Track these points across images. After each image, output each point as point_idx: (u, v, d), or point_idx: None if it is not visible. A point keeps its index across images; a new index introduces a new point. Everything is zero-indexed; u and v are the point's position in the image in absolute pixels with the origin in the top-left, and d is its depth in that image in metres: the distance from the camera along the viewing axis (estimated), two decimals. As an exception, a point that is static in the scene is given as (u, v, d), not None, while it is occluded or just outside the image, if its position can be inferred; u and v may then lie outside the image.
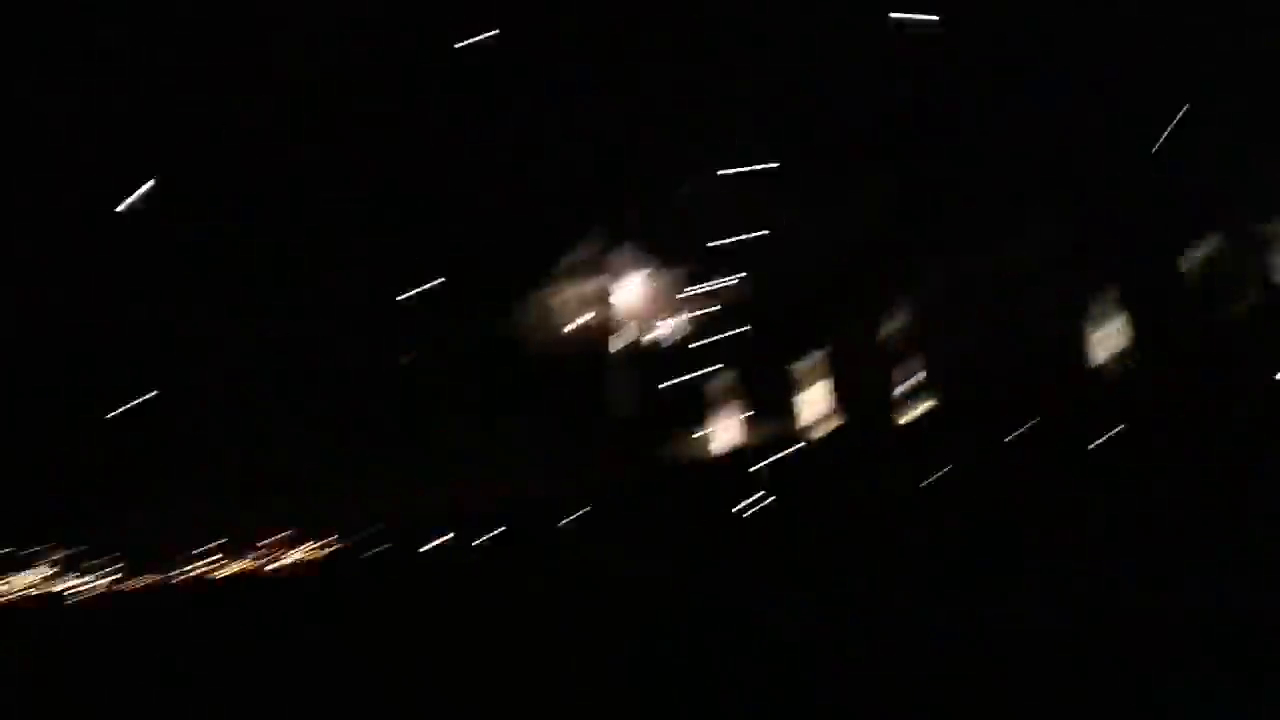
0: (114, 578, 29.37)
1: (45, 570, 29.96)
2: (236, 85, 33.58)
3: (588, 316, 52.54)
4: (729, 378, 31.75)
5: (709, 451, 31.26)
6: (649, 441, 31.64)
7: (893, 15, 32.20)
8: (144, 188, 30.89)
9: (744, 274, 50.20)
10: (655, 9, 34.75)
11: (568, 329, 53.73)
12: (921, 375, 30.79)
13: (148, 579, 28.84)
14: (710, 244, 50.05)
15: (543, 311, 51.76)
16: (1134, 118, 36.06)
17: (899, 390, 29.60)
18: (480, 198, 39.64)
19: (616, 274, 44.11)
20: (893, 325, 31.73)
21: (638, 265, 56.64)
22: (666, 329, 55.51)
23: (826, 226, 43.13)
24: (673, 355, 48.30)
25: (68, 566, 31.22)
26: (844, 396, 29.70)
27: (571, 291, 53.85)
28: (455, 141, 37.78)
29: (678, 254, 55.57)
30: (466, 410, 33.26)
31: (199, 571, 28.45)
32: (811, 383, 31.41)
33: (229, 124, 33.44)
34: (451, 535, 29.60)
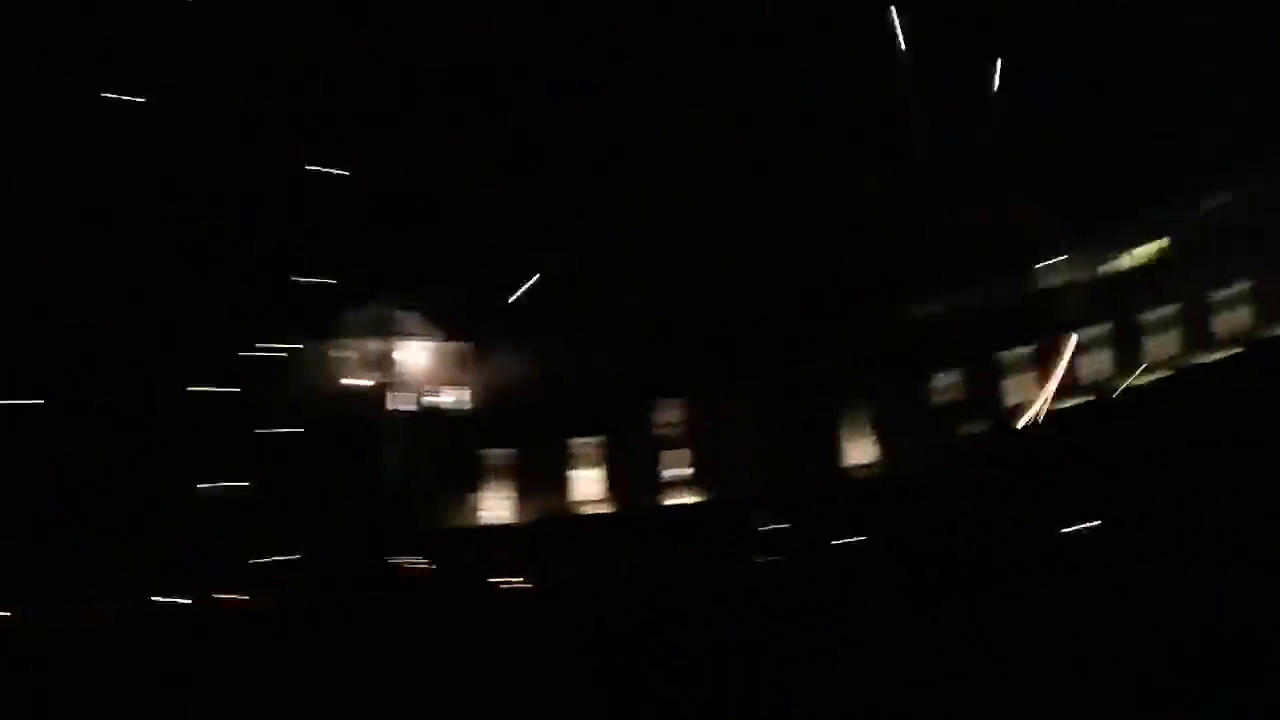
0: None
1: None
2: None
3: (368, 377, 47.13)
4: (506, 453, 31.24)
5: (474, 519, 30.47)
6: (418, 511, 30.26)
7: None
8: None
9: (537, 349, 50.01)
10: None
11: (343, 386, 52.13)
12: (689, 470, 30.95)
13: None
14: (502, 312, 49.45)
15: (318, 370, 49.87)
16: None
17: (668, 478, 29.22)
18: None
19: (402, 335, 42.21)
20: (668, 416, 31.67)
21: (425, 328, 55.35)
22: (450, 396, 54.34)
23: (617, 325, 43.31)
24: (454, 423, 44.16)
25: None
26: (617, 481, 29.00)
27: (354, 350, 51.93)
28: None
29: (467, 321, 53.95)
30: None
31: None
32: (588, 464, 31.26)
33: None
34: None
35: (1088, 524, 13.19)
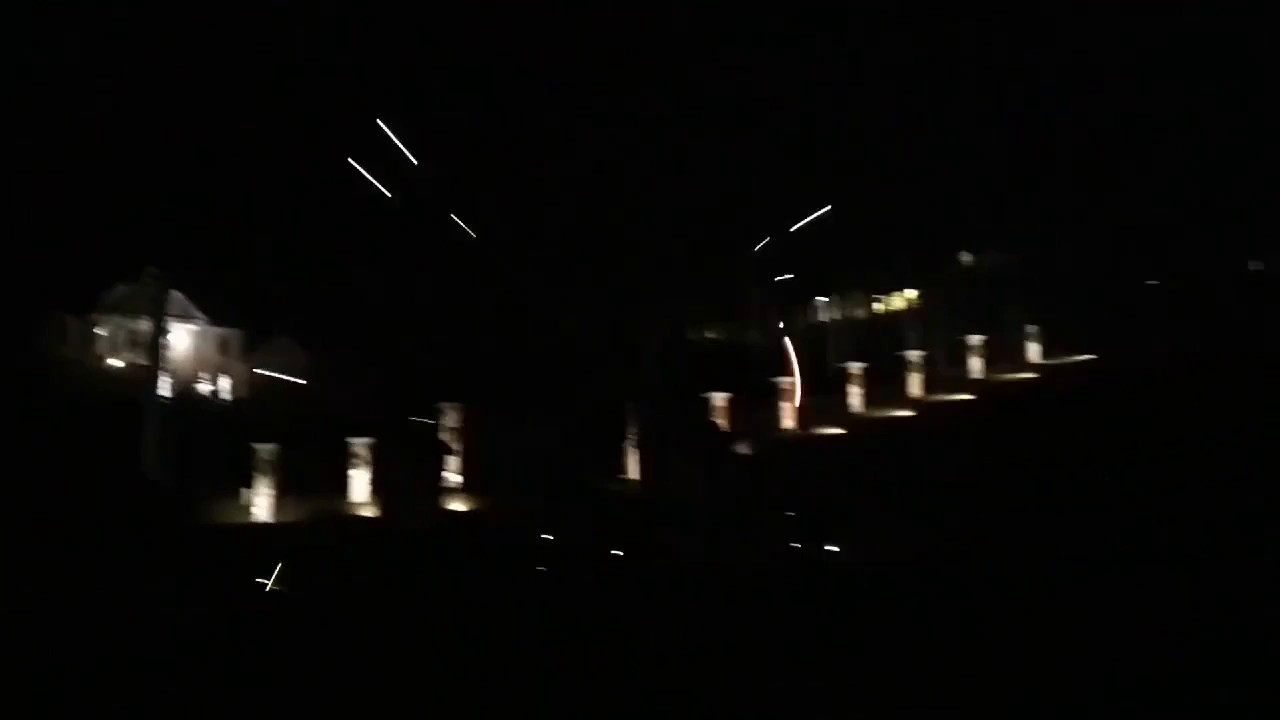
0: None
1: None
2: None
3: (134, 358, 46.76)
4: (274, 449, 30.25)
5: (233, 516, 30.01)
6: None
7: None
8: None
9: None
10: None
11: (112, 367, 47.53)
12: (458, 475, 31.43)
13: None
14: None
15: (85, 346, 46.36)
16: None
17: (442, 483, 29.95)
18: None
19: (168, 316, 40.47)
20: (449, 424, 32.08)
21: (191, 311, 53.90)
22: (216, 384, 52.67)
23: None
24: (222, 414, 44.74)
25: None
26: (384, 484, 29.21)
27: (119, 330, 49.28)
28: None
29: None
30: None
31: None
32: (361, 465, 30.69)
33: None
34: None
35: (832, 547, 14.36)
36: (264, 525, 29.99)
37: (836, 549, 13.48)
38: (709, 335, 58.62)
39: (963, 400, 32.53)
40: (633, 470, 30.04)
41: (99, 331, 47.44)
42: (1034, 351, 37.73)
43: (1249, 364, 25.04)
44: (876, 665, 7.04)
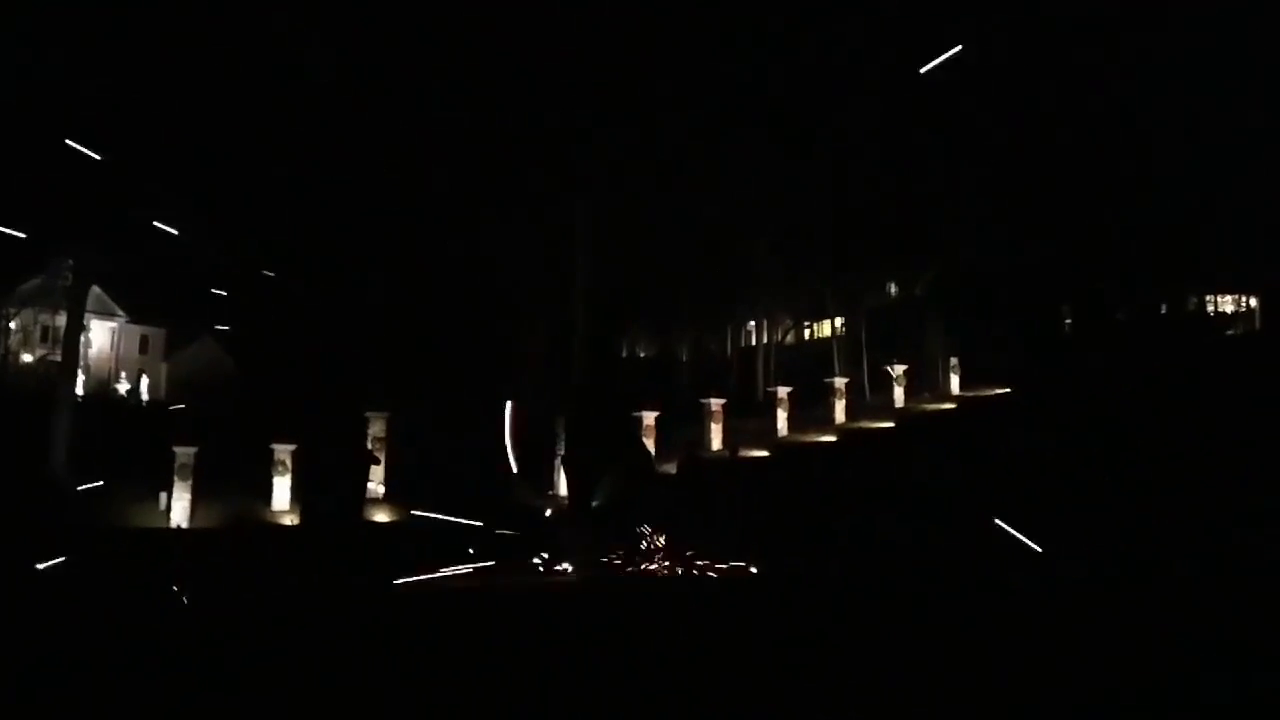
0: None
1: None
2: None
3: (48, 354, 45.82)
4: (189, 450, 29.85)
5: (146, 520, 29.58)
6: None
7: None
8: None
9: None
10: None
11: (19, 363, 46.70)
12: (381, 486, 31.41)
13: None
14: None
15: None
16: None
17: (368, 493, 29.73)
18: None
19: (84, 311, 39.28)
20: (374, 432, 32.12)
21: (109, 306, 52.59)
22: (138, 384, 50.45)
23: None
24: (136, 413, 44.00)
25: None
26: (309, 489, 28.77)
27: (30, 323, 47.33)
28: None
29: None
30: None
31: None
32: (283, 472, 30.56)
33: None
34: None
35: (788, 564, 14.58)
36: (178, 530, 29.36)
37: (753, 568, 13.80)
38: (640, 352, 59.10)
39: (882, 428, 33.33)
40: (561, 487, 30.11)
41: (11, 325, 45.97)
42: (954, 383, 38.82)
43: (1162, 400, 26.15)
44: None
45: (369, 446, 31.69)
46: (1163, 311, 48.01)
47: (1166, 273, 44.80)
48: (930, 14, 40.80)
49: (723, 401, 35.04)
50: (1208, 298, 49.28)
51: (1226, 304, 49.35)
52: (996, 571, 11.67)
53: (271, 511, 30.58)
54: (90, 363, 48.09)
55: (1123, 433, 23.15)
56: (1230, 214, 40.70)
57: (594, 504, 16.63)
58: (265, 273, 45.51)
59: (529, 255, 43.00)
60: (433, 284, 45.31)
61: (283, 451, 31.11)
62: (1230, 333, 46.18)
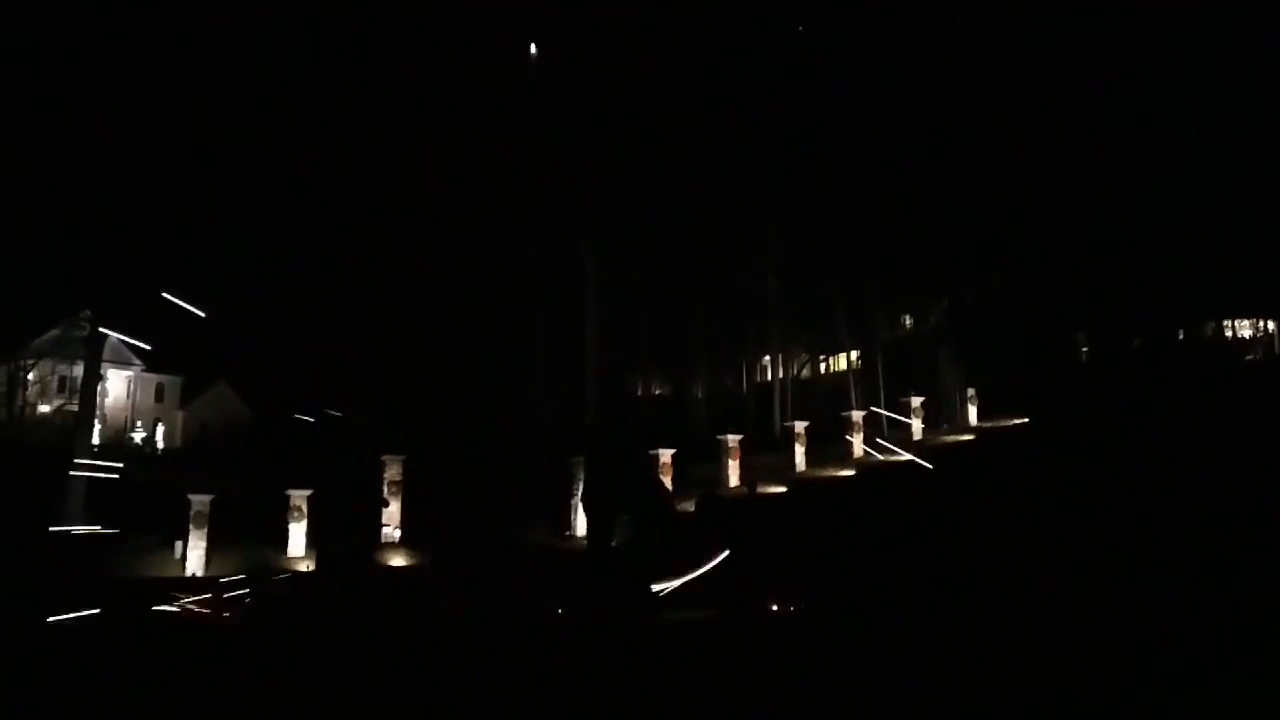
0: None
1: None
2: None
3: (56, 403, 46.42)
4: (208, 500, 29.92)
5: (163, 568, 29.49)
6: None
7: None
8: None
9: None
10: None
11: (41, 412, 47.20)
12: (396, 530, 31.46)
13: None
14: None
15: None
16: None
17: (380, 538, 29.75)
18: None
19: (99, 360, 38.86)
20: (389, 476, 32.00)
21: (125, 355, 52.74)
22: (154, 433, 51.30)
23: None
24: (150, 461, 43.69)
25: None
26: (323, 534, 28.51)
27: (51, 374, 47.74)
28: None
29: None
30: None
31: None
32: (298, 518, 30.61)
33: None
34: None
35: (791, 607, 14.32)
36: (196, 579, 29.20)
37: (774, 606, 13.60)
38: (656, 389, 58.90)
39: (902, 461, 32.99)
40: (580, 528, 29.86)
41: (29, 377, 46.24)
42: (972, 414, 38.48)
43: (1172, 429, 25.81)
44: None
45: (384, 491, 31.53)
46: (1180, 337, 47.60)
47: (1183, 298, 44.48)
48: (946, 39, 41.03)
49: (739, 437, 34.77)
50: (1225, 322, 48.88)
51: (1244, 328, 48.92)
52: (1019, 602, 11.43)
53: (287, 558, 30.40)
54: (106, 412, 48.26)
55: (1142, 460, 22.82)
56: (1248, 237, 40.42)
57: (613, 544, 16.36)
58: (278, 318, 45.78)
59: (539, 293, 43.17)
60: (442, 324, 45.46)
61: (298, 497, 31.00)
62: (1249, 358, 45.72)
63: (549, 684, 8.09)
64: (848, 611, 12.38)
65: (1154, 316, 45.88)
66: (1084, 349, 48.31)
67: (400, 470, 32.44)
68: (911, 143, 41.33)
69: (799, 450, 34.65)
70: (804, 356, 55.94)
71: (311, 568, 29.79)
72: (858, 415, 36.39)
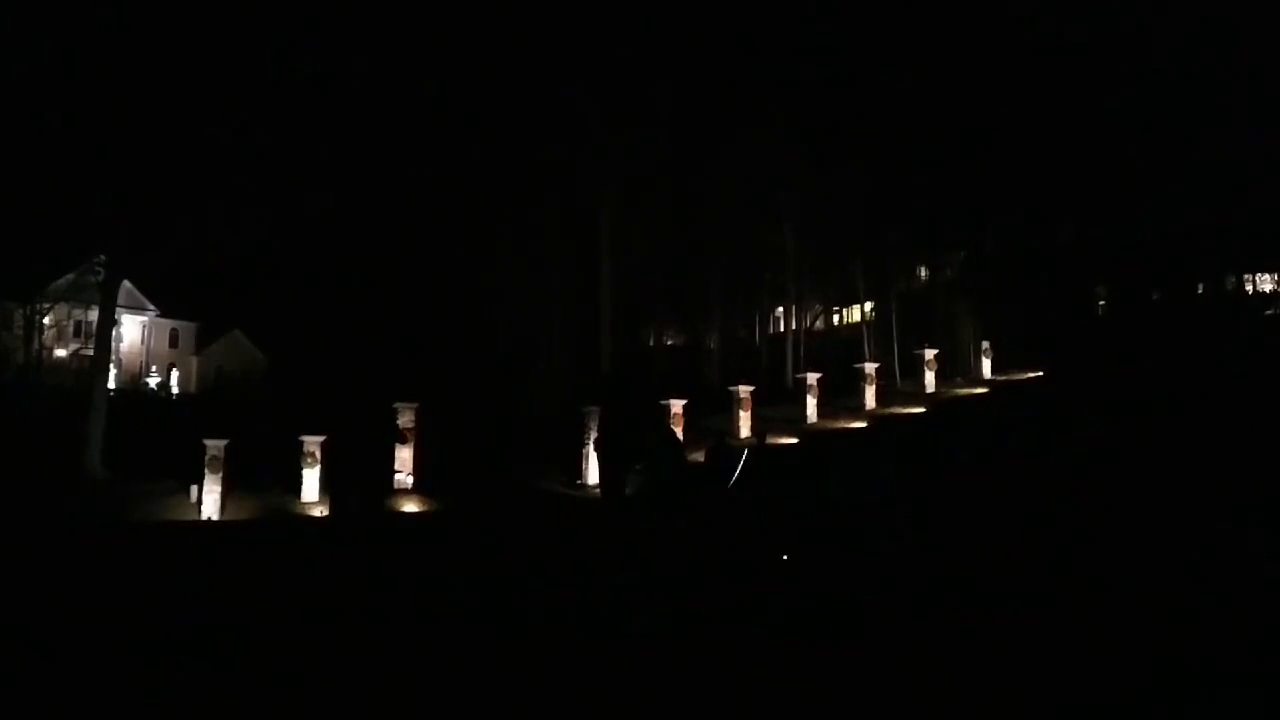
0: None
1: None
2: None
3: (80, 348, 46.58)
4: (223, 445, 29.87)
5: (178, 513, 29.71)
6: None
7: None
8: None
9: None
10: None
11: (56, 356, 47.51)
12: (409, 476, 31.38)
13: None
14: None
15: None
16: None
17: (393, 484, 29.78)
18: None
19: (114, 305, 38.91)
20: (402, 422, 31.24)
21: (140, 300, 52.52)
22: (169, 378, 51.86)
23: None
24: (164, 406, 44.35)
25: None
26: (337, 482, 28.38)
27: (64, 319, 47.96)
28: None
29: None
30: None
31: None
32: (312, 463, 30.39)
33: None
34: None
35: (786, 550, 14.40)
36: (209, 523, 29.54)
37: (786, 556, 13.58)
38: (668, 340, 58.84)
39: (914, 413, 32.89)
40: (591, 476, 29.96)
41: (45, 321, 46.51)
42: (986, 367, 38.27)
43: (1196, 384, 25.59)
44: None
45: (398, 433, 31.56)
46: (1199, 291, 47.10)
47: (1203, 251, 43.93)
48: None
49: (751, 389, 34.69)
50: (1246, 276, 48.32)
51: (1266, 283, 48.35)
52: (1034, 562, 11.37)
53: (301, 503, 30.68)
54: (122, 357, 48.55)
55: (1159, 414, 22.65)
56: (1270, 190, 39.78)
57: (626, 491, 16.39)
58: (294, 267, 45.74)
59: (555, 246, 42.96)
60: (457, 278, 45.35)
61: (312, 443, 31.16)
62: (1270, 312, 45.23)
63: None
64: (839, 567, 12.36)
65: (1174, 270, 45.37)
66: (1101, 303, 47.87)
67: (413, 418, 32.54)
68: (932, 93, 40.66)
69: (811, 401, 34.55)
70: (818, 308, 55.67)
71: (325, 513, 30.19)
72: (870, 367, 36.22)
